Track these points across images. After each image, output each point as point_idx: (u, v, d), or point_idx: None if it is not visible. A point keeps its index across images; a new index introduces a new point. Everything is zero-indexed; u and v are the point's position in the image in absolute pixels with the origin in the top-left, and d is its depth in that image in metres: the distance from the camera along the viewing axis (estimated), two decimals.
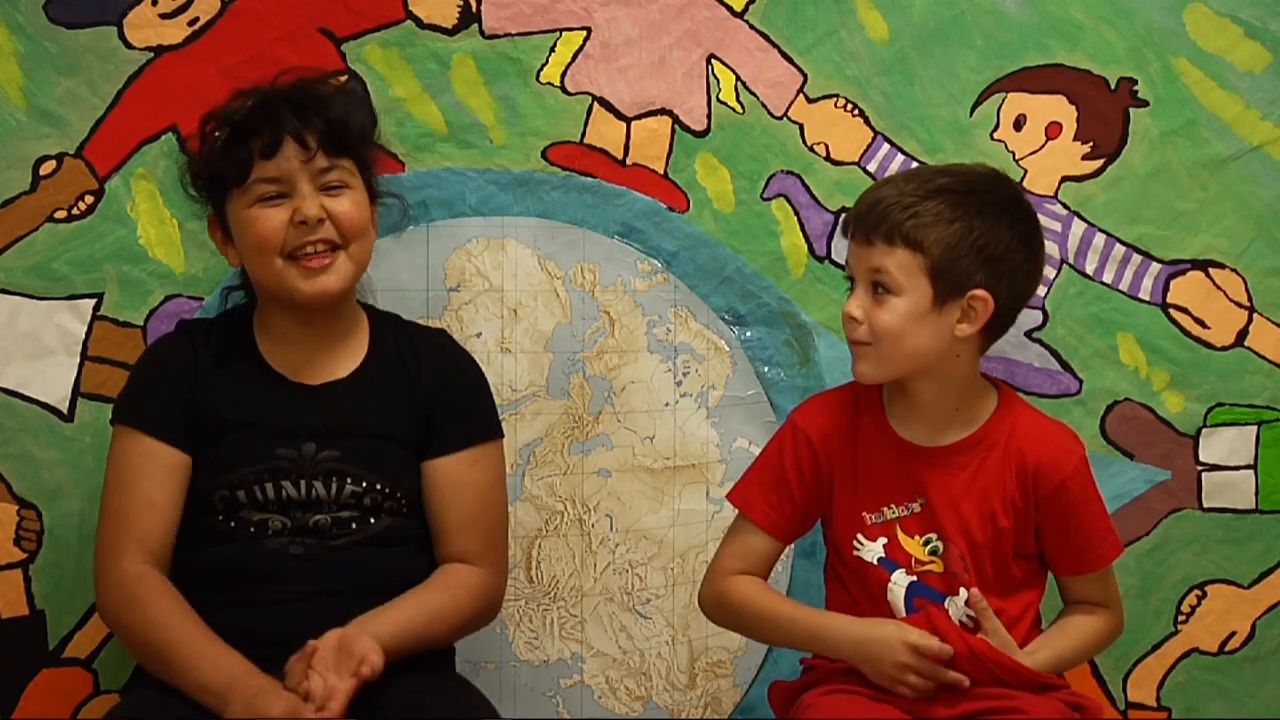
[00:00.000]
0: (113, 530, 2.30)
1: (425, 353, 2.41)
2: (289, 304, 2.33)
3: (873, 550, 2.32)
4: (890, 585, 2.30)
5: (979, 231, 2.23)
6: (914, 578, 2.30)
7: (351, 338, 2.39)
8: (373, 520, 2.32)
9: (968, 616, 2.29)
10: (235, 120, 2.33)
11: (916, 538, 2.30)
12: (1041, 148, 2.72)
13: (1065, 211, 2.72)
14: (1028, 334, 2.71)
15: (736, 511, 2.40)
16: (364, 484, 2.32)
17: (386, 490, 2.33)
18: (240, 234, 2.32)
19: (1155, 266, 2.73)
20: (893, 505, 2.31)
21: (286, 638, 2.22)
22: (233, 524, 2.30)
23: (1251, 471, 2.76)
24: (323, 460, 2.31)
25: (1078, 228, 2.72)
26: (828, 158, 2.70)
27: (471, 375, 2.44)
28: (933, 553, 2.30)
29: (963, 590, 2.29)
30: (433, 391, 2.38)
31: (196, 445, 2.32)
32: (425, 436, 2.36)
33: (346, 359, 2.38)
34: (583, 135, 2.66)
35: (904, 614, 2.29)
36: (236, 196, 2.31)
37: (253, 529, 2.29)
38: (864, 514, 2.32)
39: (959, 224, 2.23)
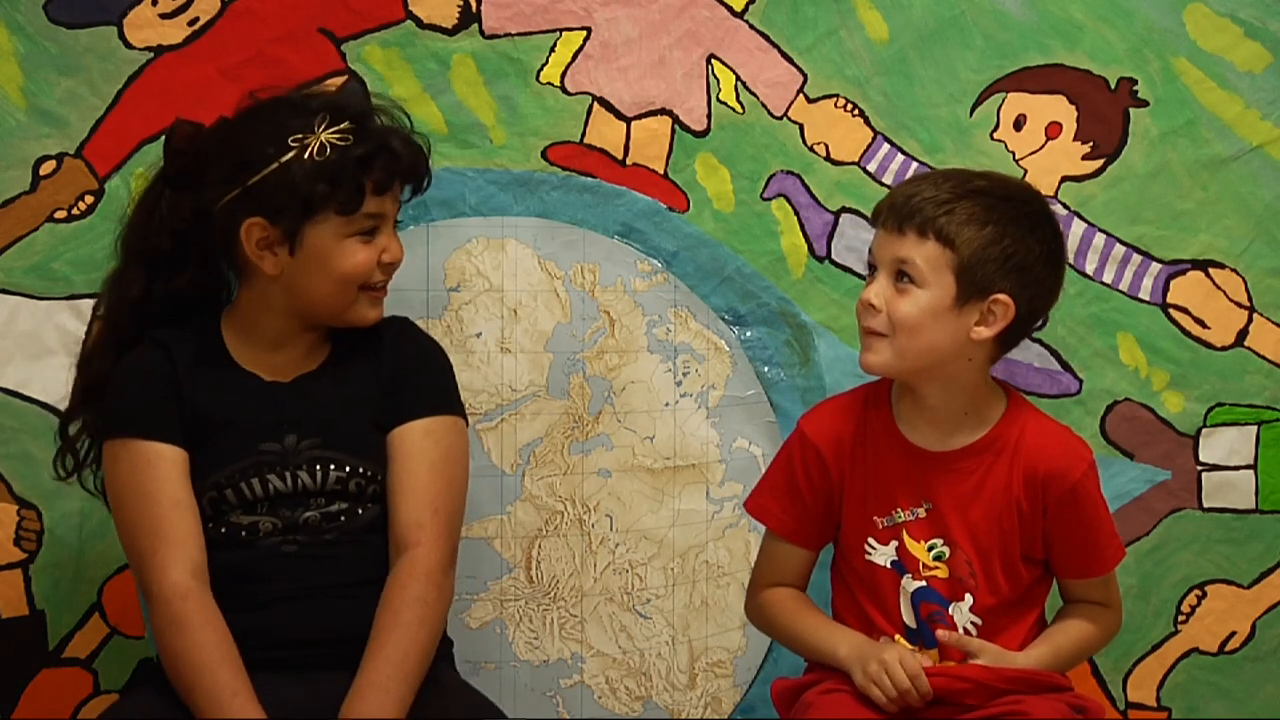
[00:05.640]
0: (149, 542, 2.26)
1: (386, 335, 2.41)
2: (330, 320, 2.35)
3: (885, 554, 2.32)
4: (900, 588, 2.31)
5: (1010, 239, 2.23)
6: (921, 582, 2.31)
7: (317, 335, 2.40)
8: (360, 511, 2.33)
9: (972, 624, 2.30)
10: (349, 149, 2.29)
11: (922, 542, 2.30)
12: (1041, 148, 2.72)
13: (1065, 211, 2.71)
14: None
15: (739, 512, 2.40)
16: (347, 469, 2.33)
17: (369, 474, 2.34)
18: (322, 258, 2.30)
19: (1155, 266, 2.73)
20: (900, 510, 2.31)
21: (285, 637, 2.26)
22: (223, 530, 2.30)
23: (1251, 471, 2.76)
24: (305, 449, 2.32)
25: (1078, 228, 2.72)
26: (828, 158, 2.70)
27: (430, 352, 2.44)
28: (937, 558, 2.30)
29: (968, 595, 2.29)
30: (394, 366, 2.39)
31: (188, 446, 2.32)
32: (389, 412, 2.37)
33: (314, 354, 2.39)
34: (583, 135, 2.66)
35: (912, 618, 2.30)
36: (331, 220, 2.29)
37: (244, 533, 2.30)
38: (875, 518, 2.32)
39: (992, 227, 2.23)
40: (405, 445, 2.35)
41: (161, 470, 2.29)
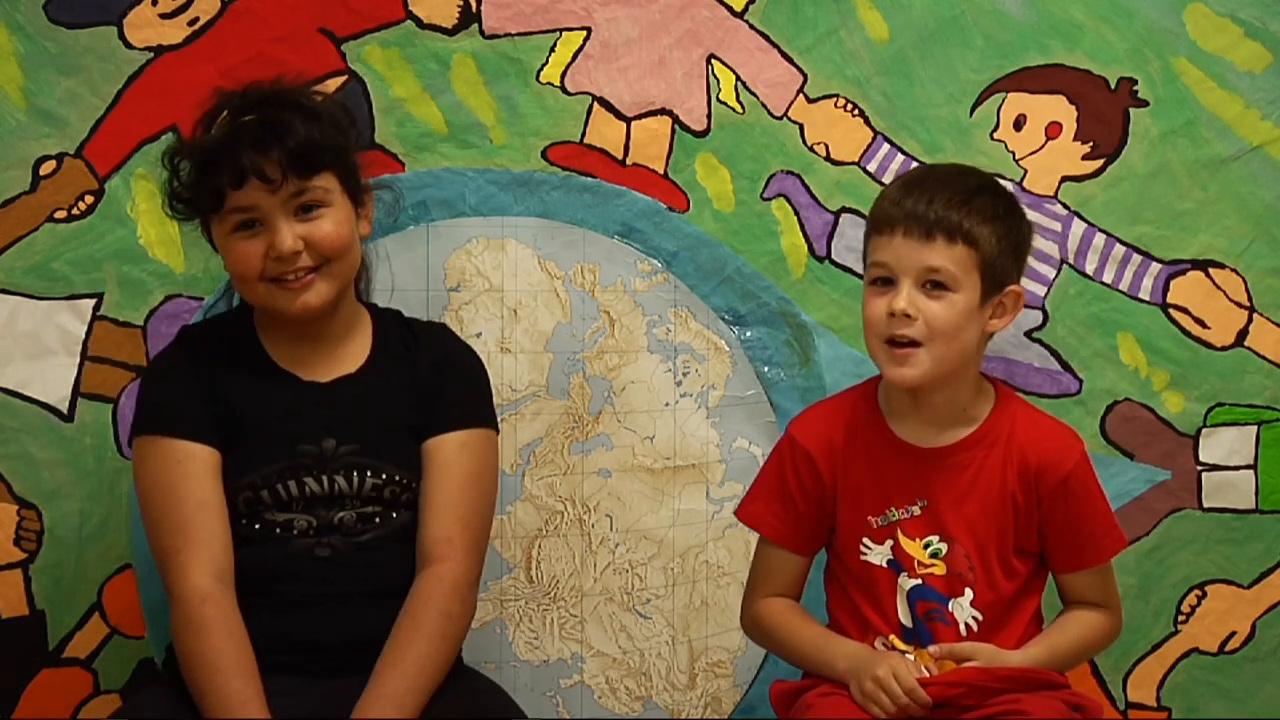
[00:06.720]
0: (172, 542, 2.26)
1: (425, 342, 2.41)
2: (274, 316, 2.34)
3: (880, 553, 2.32)
4: (897, 587, 2.31)
5: (1014, 227, 2.27)
6: (917, 580, 2.30)
7: (354, 335, 2.38)
8: (395, 515, 2.32)
9: (973, 619, 2.30)
10: (202, 151, 2.29)
11: (917, 540, 2.30)
12: (1041, 148, 2.72)
13: (1065, 211, 2.72)
14: (1028, 334, 2.71)
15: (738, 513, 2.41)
16: (384, 476, 2.32)
17: (405, 481, 2.33)
18: (223, 257, 2.32)
19: (1155, 266, 2.73)
20: (894, 508, 2.31)
21: (308, 640, 2.25)
22: (257, 526, 2.29)
23: (1251, 471, 2.76)
24: (344, 454, 2.31)
25: (1078, 228, 2.72)
26: (828, 158, 2.70)
27: (468, 364, 2.43)
28: (934, 555, 2.30)
29: (968, 590, 2.29)
30: (431, 377, 2.37)
31: (222, 445, 2.31)
32: (424, 421, 2.36)
33: (352, 355, 2.37)
34: (583, 135, 2.66)
35: (909, 617, 2.30)
36: (215, 221, 2.30)
37: (278, 529, 2.29)
38: (869, 518, 2.32)
39: (1001, 221, 2.26)
40: (439, 457, 2.34)
41: (190, 469, 2.27)
